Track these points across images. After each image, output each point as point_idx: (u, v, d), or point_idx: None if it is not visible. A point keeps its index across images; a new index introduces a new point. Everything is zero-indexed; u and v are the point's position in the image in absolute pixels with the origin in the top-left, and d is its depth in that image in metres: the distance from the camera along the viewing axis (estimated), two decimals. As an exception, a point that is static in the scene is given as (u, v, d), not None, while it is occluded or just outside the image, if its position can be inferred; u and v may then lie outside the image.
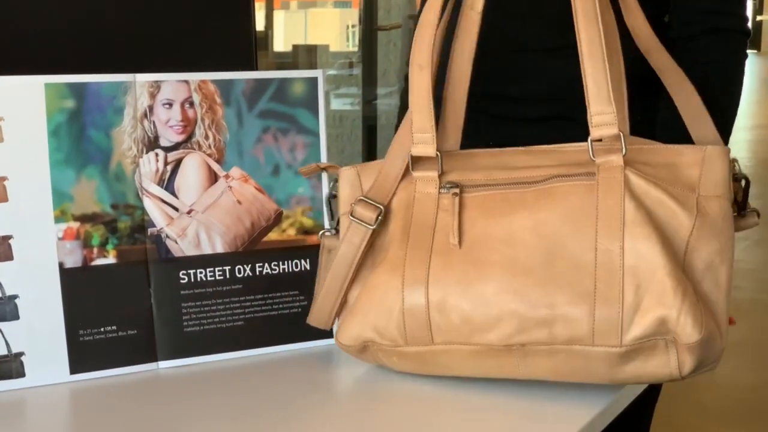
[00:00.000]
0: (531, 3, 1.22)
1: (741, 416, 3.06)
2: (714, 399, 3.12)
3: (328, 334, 1.13)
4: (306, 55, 5.42)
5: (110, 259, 1.07)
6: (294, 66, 5.27)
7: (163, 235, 1.10)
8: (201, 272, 1.11)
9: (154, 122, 1.09)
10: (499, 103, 1.06)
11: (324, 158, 1.17)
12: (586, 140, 0.97)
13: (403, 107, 1.38)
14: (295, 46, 5.88)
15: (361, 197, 1.04)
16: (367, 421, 0.95)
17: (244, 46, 1.05)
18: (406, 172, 1.04)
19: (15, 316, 1.03)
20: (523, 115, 1.03)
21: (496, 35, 1.18)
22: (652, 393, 1.30)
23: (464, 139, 1.08)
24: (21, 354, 1.04)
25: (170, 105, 1.10)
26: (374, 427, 0.94)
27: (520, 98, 1.20)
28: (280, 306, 1.15)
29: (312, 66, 5.19)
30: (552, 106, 1.06)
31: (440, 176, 1.01)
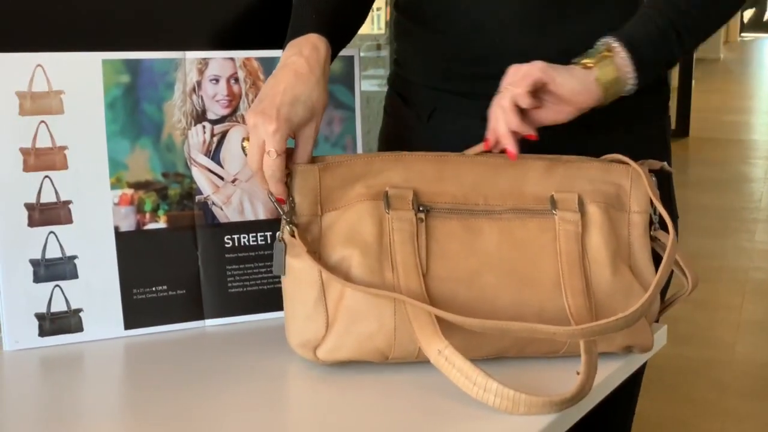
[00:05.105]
0: None
1: (759, 392, 3.11)
2: (732, 376, 3.17)
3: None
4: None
5: (161, 224, 1.15)
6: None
7: (209, 202, 1.17)
8: (244, 237, 1.19)
9: (202, 97, 1.16)
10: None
11: (359, 132, 1.24)
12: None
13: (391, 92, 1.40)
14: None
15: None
16: (400, 377, 1.01)
17: (286, 25, 1.11)
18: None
19: (74, 275, 1.11)
20: None
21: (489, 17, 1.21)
22: (629, 391, 1.34)
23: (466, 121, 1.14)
24: (79, 310, 1.12)
25: (217, 81, 1.17)
26: (416, 384, 1.00)
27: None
28: (318, 270, 1.22)
29: (340, 48, 5.22)
30: None
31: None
